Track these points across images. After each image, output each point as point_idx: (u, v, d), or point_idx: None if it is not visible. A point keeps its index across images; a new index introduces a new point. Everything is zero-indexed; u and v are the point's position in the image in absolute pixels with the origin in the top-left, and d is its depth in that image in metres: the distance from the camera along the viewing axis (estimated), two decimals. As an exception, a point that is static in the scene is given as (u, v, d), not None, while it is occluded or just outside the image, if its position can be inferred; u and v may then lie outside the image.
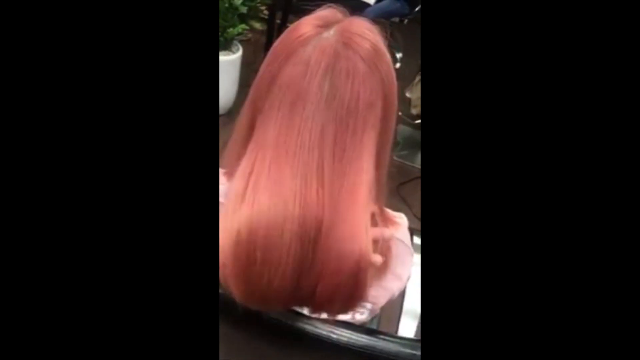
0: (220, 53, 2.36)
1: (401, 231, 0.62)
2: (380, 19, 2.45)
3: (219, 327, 0.46)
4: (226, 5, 2.23)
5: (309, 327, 0.54)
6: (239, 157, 0.54)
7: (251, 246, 0.47)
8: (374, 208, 0.53)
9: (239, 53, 2.44)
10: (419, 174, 2.09)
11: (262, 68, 0.53)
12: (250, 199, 0.48)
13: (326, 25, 0.52)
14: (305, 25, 0.52)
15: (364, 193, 0.50)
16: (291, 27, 0.53)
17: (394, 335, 0.54)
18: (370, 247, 0.49)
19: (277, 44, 0.53)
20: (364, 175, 0.50)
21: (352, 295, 0.51)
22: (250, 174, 0.50)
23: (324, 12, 0.54)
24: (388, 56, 0.53)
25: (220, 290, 0.51)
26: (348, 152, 0.49)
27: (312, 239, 0.48)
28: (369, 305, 0.64)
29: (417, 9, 2.89)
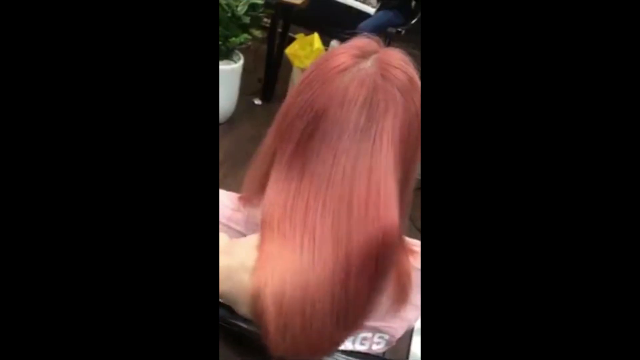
0: (222, 62, 2.36)
1: (419, 260, 0.60)
2: (377, 31, 2.44)
3: (220, 352, 0.43)
4: (229, 15, 2.22)
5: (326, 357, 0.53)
6: (262, 185, 0.53)
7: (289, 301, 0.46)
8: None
9: (240, 62, 2.43)
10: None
11: (292, 96, 0.52)
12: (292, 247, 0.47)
13: (363, 55, 0.51)
14: (343, 55, 0.51)
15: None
16: (326, 55, 0.53)
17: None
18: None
19: (310, 72, 0.52)
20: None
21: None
22: (286, 207, 0.49)
23: (361, 42, 0.53)
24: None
25: (220, 314, 0.48)
26: (381, 185, 0.49)
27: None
28: (386, 337, 0.63)
29: (414, 20, 2.89)
